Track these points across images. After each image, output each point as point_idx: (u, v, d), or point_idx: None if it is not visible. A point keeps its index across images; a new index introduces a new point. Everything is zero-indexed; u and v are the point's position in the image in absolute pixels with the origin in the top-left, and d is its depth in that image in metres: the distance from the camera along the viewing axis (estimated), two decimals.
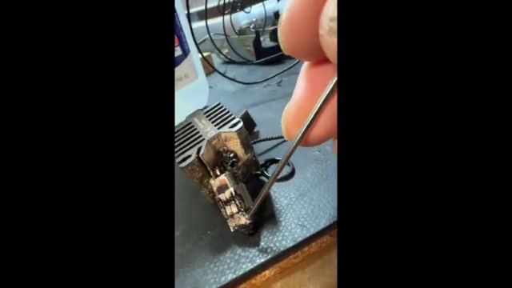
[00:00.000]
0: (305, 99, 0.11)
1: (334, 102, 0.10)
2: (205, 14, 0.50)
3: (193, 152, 0.20)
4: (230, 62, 0.64)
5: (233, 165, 0.21)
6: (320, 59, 0.11)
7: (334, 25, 0.08)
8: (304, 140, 0.11)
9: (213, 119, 0.23)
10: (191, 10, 0.38)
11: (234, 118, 0.22)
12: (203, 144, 0.21)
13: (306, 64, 0.11)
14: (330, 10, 0.08)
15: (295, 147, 0.12)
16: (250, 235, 0.20)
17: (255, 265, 0.18)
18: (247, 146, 0.22)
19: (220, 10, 0.61)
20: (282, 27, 0.10)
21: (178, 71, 0.37)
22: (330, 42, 0.08)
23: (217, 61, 0.71)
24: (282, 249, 0.19)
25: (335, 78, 0.10)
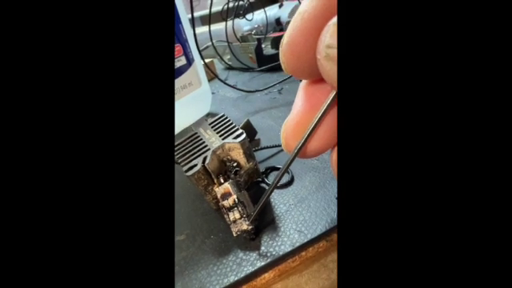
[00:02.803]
0: (303, 114, 0.12)
1: (330, 116, 0.11)
2: (208, 21, 0.52)
3: (199, 161, 0.22)
4: (231, 68, 0.66)
5: (236, 173, 0.23)
6: (317, 78, 0.11)
7: (330, 51, 0.09)
8: (302, 152, 0.12)
9: (217, 130, 0.24)
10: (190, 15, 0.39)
11: (237, 129, 0.23)
12: (208, 154, 0.22)
13: (304, 81, 0.12)
14: (327, 37, 0.09)
15: (293, 158, 0.13)
16: (251, 240, 0.21)
17: (256, 268, 0.19)
18: (249, 155, 0.24)
19: (223, 17, 0.62)
20: (283, 50, 0.11)
21: (183, 80, 0.39)
22: (326, 65, 0.09)
23: (218, 66, 0.73)
24: (281, 253, 0.20)
25: (331, 96, 0.11)
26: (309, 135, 0.12)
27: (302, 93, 0.12)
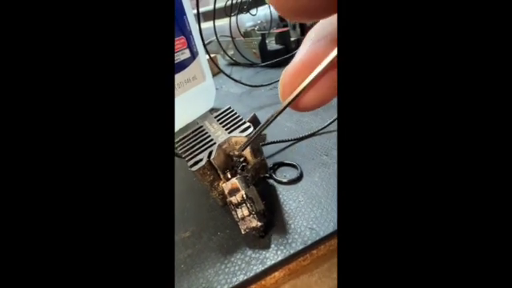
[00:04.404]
0: (305, 62, 0.11)
1: (334, 70, 0.10)
2: (213, 16, 0.51)
3: (204, 156, 0.21)
4: (235, 63, 0.65)
5: (243, 168, 0.22)
6: (319, 18, 0.10)
7: None
8: (296, 103, 0.11)
9: (224, 123, 0.23)
10: (195, 11, 0.39)
11: (244, 123, 0.22)
12: (214, 148, 0.21)
13: (314, 27, 0.11)
14: None
15: (285, 107, 0.11)
16: (260, 237, 0.20)
17: (266, 267, 0.19)
18: (257, 150, 0.23)
19: (227, 12, 0.61)
20: None
21: (187, 73, 0.38)
22: None
23: (222, 62, 0.72)
24: (291, 251, 0.19)
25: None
26: (307, 86, 0.10)
27: (308, 38, 0.11)
